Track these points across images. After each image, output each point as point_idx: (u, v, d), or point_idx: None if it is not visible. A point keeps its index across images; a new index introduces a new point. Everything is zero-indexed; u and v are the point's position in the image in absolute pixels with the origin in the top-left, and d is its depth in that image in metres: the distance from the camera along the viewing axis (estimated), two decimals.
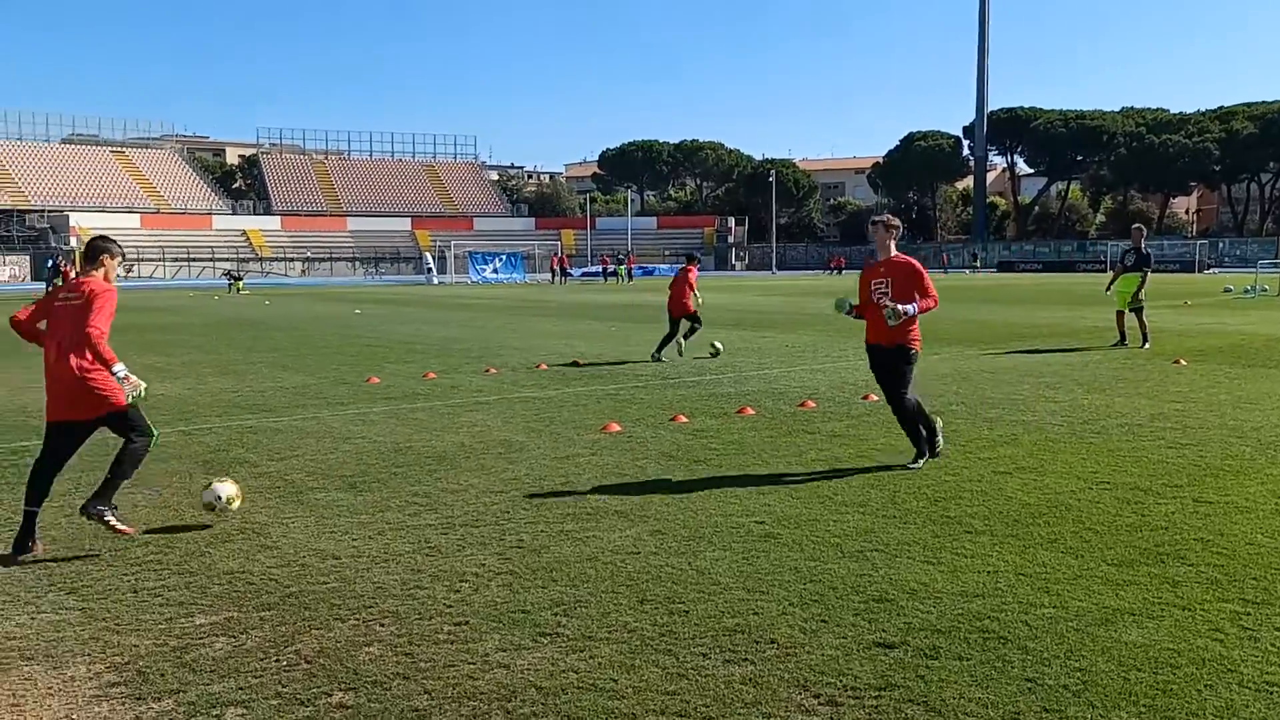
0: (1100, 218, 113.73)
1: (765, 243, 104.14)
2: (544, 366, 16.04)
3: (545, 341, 20.94)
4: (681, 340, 17.16)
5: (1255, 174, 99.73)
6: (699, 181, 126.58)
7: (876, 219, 8.45)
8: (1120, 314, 18.00)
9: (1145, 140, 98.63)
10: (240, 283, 57.25)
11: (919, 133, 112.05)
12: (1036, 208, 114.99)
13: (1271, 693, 4.08)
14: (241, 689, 4.30)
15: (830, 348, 18.64)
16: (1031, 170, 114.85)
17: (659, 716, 3.99)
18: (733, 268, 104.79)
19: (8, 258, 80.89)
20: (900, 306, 8.06)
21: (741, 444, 9.42)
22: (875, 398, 12.04)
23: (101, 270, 6.61)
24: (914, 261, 8.35)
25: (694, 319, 17.28)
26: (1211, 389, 12.58)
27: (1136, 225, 18.74)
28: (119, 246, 6.83)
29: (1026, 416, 10.69)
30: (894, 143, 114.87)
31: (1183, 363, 15.23)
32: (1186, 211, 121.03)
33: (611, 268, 75.61)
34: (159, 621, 5.10)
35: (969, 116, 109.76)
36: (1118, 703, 4.02)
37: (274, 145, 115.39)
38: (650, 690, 4.22)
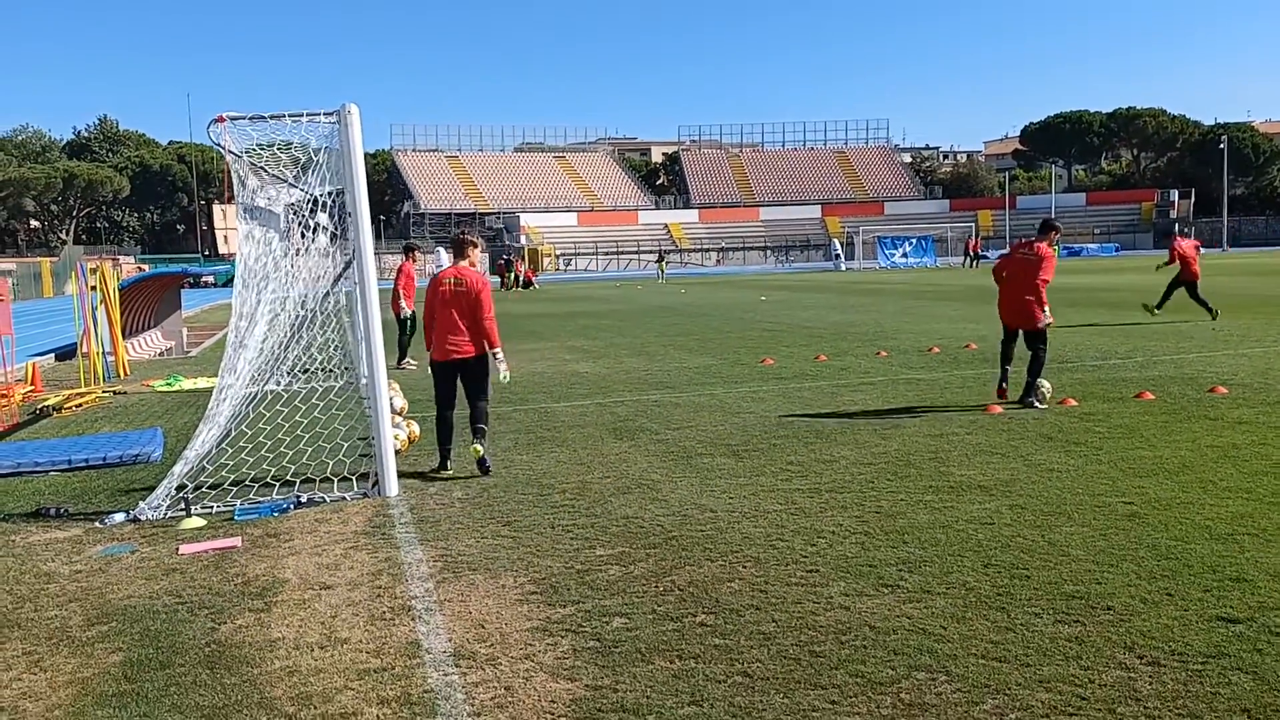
0: None
1: (1215, 217, 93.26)
2: (936, 350, 16.11)
3: (943, 326, 20.81)
4: None
5: None
6: (1136, 152, 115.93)
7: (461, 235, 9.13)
8: None
9: None
10: (664, 264, 61.57)
11: None
12: None
13: None
14: (626, 605, 5.22)
15: (1266, 333, 16.87)
16: None
17: (979, 659, 4.35)
18: None
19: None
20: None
21: (1129, 428, 9.11)
22: None
23: (1047, 241, 10.75)
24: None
25: None
26: None
27: None
28: (1060, 225, 11.30)
29: None
30: None
31: None
32: None
33: None
34: (568, 550, 6.21)
35: None
36: None
37: (694, 142, 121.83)
38: (975, 638, 4.58)
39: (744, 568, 5.74)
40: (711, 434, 9.78)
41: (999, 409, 10.32)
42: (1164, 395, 10.74)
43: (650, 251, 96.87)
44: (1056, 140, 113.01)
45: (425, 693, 4.28)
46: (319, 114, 7.72)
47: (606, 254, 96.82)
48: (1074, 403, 10.49)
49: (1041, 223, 11.16)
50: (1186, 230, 20.49)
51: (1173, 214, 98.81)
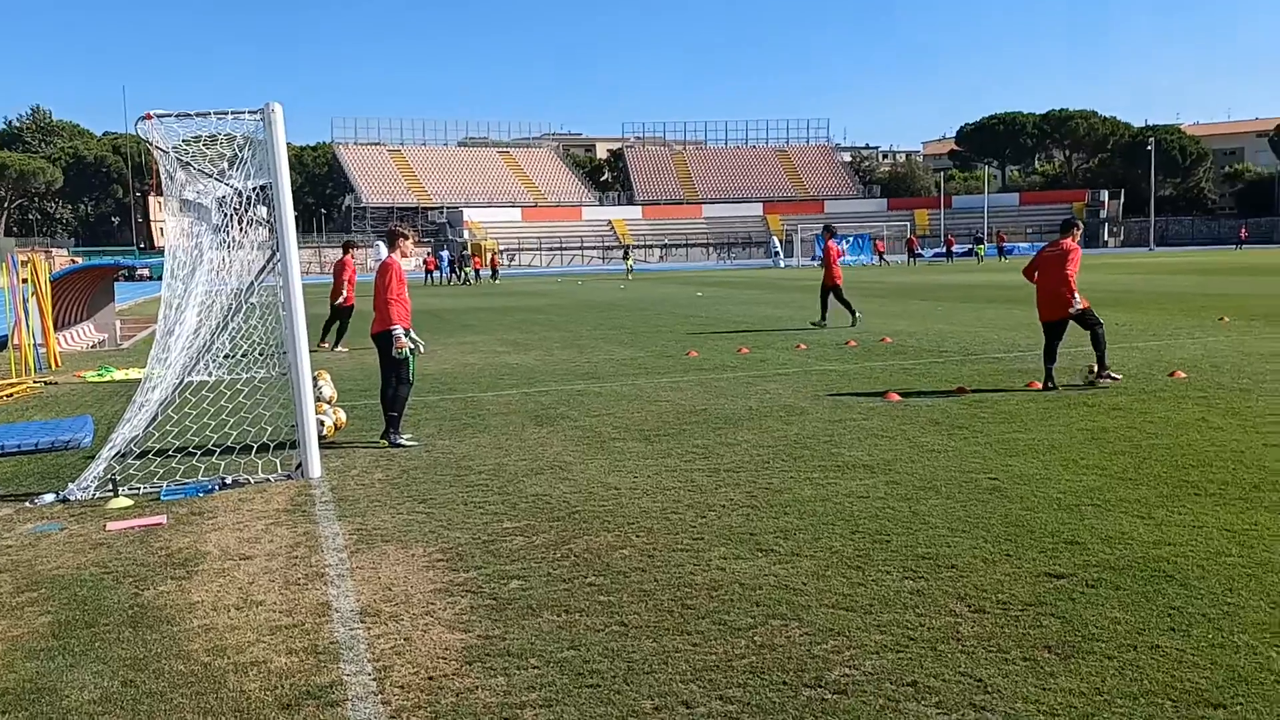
0: None
1: (1143, 217, 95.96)
2: (853, 344, 16.77)
3: (865, 320, 21.51)
4: None
5: None
6: (1068, 153, 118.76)
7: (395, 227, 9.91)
8: None
9: None
10: (631, 260, 62.53)
11: None
12: None
13: None
14: (524, 569, 5.70)
15: (1163, 327, 17.80)
16: None
17: (829, 609, 4.89)
18: (1105, 244, 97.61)
19: (418, 250, 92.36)
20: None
21: (1013, 414, 9.78)
22: (1183, 375, 11.77)
23: (1071, 237, 11.58)
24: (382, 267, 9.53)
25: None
26: None
27: None
28: (1080, 222, 12.22)
29: None
30: None
31: None
32: None
33: (965, 247, 73.60)
34: (478, 524, 6.66)
35: None
36: (1246, 627, 4.41)
37: (638, 139, 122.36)
38: (830, 592, 5.12)
39: (637, 537, 6.24)
40: (627, 421, 10.28)
41: (897, 397, 10.95)
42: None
43: (594, 247, 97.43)
44: (991, 141, 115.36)
45: (331, 644, 4.72)
46: (244, 112, 8.07)
47: (550, 250, 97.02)
48: (967, 391, 11.16)
49: (1064, 221, 12.10)
50: (835, 233, 20.68)
51: (1103, 214, 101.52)
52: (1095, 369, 11.40)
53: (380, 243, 51.36)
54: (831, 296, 20.36)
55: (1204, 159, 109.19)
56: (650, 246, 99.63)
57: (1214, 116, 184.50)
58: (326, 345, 18.18)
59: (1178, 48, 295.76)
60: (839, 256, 20.87)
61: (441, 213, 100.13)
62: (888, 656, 4.33)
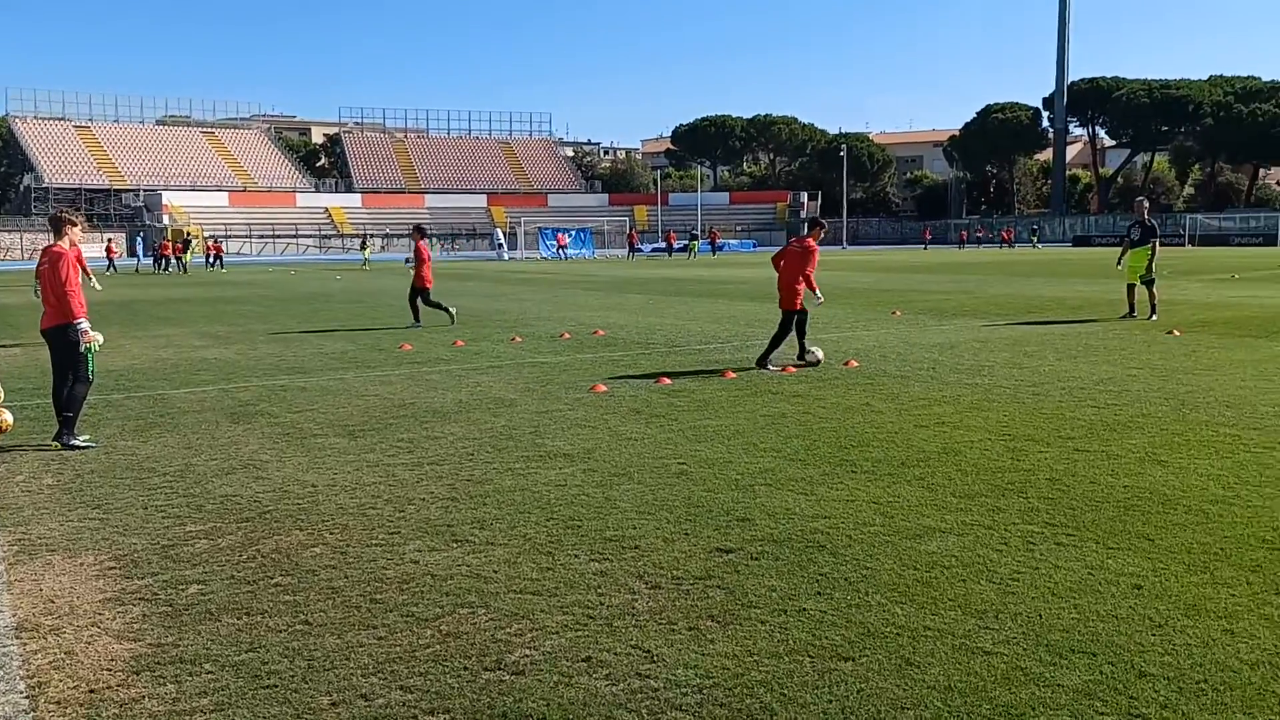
0: (1188, 190, 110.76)
1: (837, 217, 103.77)
2: (567, 336, 17.17)
3: (580, 314, 22.06)
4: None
5: None
6: (772, 156, 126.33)
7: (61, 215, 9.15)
8: (1131, 287, 18.46)
9: (1234, 110, 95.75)
10: (368, 250, 60.74)
11: (996, 104, 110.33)
12: (1120, 180, 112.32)
13: (1006, 584, 5.02)
14: (205, 573, 5.49)
15: (845, 320, 19.43)
16: (1114, 142, 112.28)
17: (517, 595, 5.07)
18: None
19: (105, 234, 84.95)
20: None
21: (706, 402, 10.41)
22: (855, 364, 12.93)
23: (814, 236, 12.88)
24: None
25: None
26: (1184, 358, 13.16)
27: (1139, 199, 19.22)
28: (825, 222, 13.57)
29: (981, 380, 11.48)
30: (972, 115, 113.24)
31: (1176, 333, 15.74)
32: (1279, 184, 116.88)
33: (681, 243, 76.84)
34: (158, 529, 6.34)
35: (1049, 87, 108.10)
36: (879, 588, 5.00)
37: (356, 124, 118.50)
38: (520, 577, 5.31)
39: (330, 534, 6.16)
40: (331, 416, 10.05)
41: (604, 388, 11.36)
42: (744, 374, 12.28)
43: (309, 236, 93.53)
44: (703, 142, 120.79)
45: None
46: None
47: (262, 238, 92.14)
48: (668, 381, 11.76)
49: (810, 220, 13.33)
50: (426, 233, 20.77)
51: (803, 214, 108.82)
52: (802, 353, 12.84)
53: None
54: (420, 300, 19.42)
55: (889, 165, 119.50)
56: (372, 236, 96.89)
57: (898, 126, 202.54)
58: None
59: (864, 61, 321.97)
60: (429, 258, 19.74)
61: (138, 195, 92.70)
62: (567, 635, 4.55)
